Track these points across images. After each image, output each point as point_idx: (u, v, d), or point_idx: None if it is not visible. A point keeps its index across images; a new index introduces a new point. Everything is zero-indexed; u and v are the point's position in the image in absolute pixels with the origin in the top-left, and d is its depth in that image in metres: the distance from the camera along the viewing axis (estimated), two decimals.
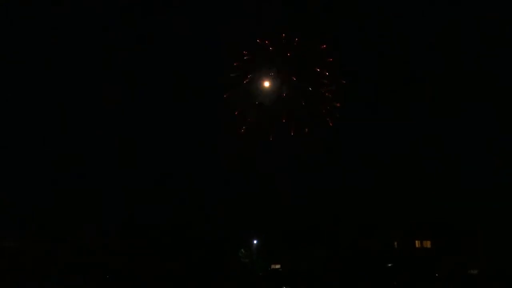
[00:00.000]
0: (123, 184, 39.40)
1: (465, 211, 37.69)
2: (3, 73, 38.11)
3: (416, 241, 40.13)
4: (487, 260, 36.99)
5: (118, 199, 39.15)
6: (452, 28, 38.02)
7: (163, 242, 38.25)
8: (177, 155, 40.71)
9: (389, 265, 37.72)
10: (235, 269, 38.42)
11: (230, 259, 38.90)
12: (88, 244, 37.40)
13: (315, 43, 36.99)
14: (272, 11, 36.98)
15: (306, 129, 38.05)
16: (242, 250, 39.45)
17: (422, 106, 39.37)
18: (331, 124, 37.85)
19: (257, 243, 39.93)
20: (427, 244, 40.04)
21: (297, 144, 38.23)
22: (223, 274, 37.71)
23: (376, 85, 39.82)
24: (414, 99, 39.36)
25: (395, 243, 40.33)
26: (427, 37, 39.15)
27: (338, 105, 37.76)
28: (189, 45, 39.66)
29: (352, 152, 40.13)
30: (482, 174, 37.37)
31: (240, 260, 39.11)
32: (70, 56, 39.48)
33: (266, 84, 37.56)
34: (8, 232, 36.44)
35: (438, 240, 39.54)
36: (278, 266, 39.79)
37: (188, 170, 40.35)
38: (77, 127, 40.04)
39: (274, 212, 39.87)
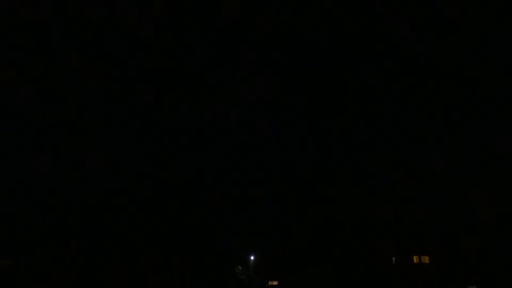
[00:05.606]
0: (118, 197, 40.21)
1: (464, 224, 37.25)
2: None
3: (415, 257, 39.82)
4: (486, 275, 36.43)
5: (112, 213, 40.06)
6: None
7: (159, 259, 38.83)
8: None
9: None
10: (232, 286, 38.76)
11: (227, 275, 39.28)
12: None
13: None
14: None
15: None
16: (239, 266, 39.85)
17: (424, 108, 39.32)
18: None
19: (254, 259, 40.26)
20: (425, 260, 39.69)
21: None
22: None
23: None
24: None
25: (393, 259, 40.09)
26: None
27: None
28: None
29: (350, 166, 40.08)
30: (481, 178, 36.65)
31: (237, 276, 39.46)
32: None
33: None
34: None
35: (437, 255, 39.14)
36: (275, 283, 39.94)
37: (185, 188, 41.36)
38: None
39: (272, 228, 40.41)
